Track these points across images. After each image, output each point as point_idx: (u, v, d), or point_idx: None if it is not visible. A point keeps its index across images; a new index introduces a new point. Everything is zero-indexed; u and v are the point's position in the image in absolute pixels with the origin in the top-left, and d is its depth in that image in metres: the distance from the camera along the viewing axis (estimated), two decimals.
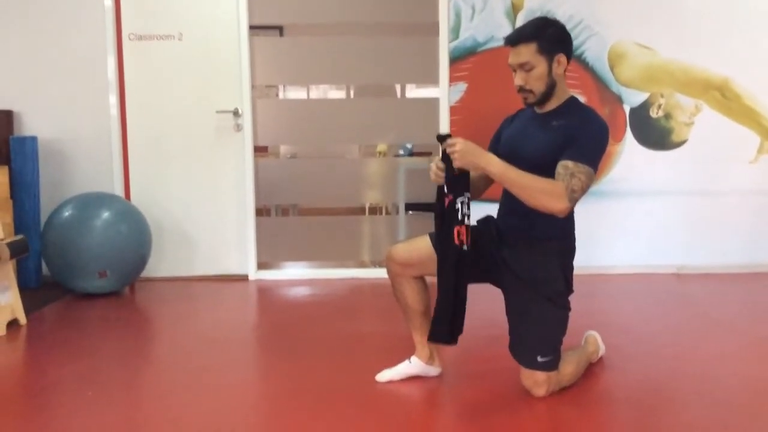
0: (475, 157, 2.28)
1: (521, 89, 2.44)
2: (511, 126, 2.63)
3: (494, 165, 2.29)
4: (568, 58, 2.45)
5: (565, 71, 2.46)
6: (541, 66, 2.39)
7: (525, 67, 2.40)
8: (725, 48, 4.46)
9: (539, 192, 2.29)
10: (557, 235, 2.51)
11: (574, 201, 2.30)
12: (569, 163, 2.31)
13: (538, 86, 2.42)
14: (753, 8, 4.45)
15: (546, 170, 2.36)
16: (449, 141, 2.29)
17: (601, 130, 2.42)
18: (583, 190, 2.31)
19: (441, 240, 2.39)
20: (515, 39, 2.42)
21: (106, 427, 2.31)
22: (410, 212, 4.83)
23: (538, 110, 2.51)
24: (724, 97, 4.49)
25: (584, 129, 2.38)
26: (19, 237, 3.57)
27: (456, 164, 2.28)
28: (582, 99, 2.53)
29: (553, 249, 2.50)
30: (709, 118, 4.50)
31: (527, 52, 2.38)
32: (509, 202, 2.56)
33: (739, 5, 4.45)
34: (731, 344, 3.12)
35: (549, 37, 2.40)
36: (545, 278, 2.46)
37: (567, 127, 2.39)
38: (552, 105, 2.47)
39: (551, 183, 2.30)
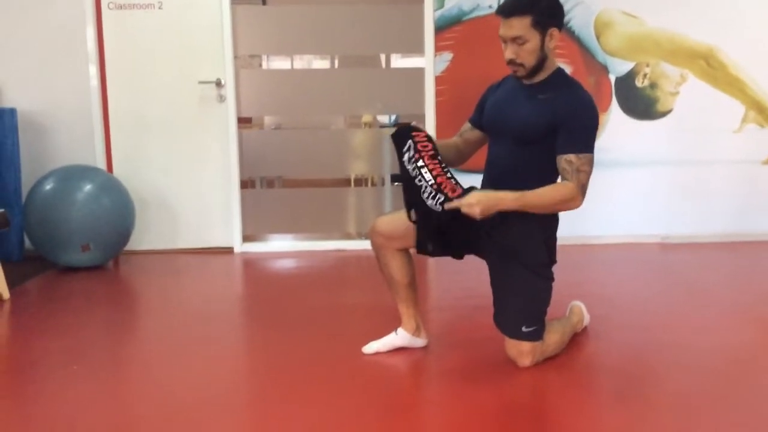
0: (493, 208, 2.28)
1: (512, 62, 2.40)
2: (496, 93, 2.60)
3: (510, 202, 2.30)
4: (559, 31, 2.42)
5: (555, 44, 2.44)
6: (534, 40, 2.35)
7: (518, 41, 2.35)
8: (711, 17, 4.44)
9: (557, 203, 2.35)
10: None
11: (585, 194, 2.37)
12: (572, 158, 2.33)
13: (530, 60, 2.38)
14: None
15: (530, 143, 2.40)
16: (465, 201, 2.24)
17: (592, 111, 2.41)
18: (589, 179, 2.36)
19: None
20: (508, 11, 2.35)
21: (93, 402, 2.31)
22: (396, 183, 4.81)
23: (525, 81, 2.49)
24: (710, 67, 4.48)
25: (578, 114, 2.36)
26: (0, 211, 3.52)
27: (476, 216, 2.26)
28: (568, 68, 2.53)
29: (537, 220, 2.49)
30: (694, 87, 4.49)
31: (520, 26, 2.33)
32: (492, 173, 2.57)
33: None
34: (714, 313, 3.15)
35: (543, 10, 2.35)
36: (528, 249, 2.46)
37: (555, 104, 2.37)
38: (540, 77, 2.45)
39: (564, 189, 2.34)
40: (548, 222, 2.54)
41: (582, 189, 2.35)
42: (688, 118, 4.51)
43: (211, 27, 4.39)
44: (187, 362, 2.64)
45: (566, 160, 2.35)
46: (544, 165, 2.41)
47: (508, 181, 2.48)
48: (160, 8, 4.36)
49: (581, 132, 2.36)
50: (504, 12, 2.36)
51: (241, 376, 2.56)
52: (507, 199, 2.30)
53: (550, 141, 2.37)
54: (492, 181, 2.56)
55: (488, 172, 2.59)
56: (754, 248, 4.40)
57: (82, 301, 3.53)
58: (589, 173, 2.36)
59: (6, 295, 3.49)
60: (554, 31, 2.38)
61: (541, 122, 2.37)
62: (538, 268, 2.46)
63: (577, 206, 2.37)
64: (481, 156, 2.66)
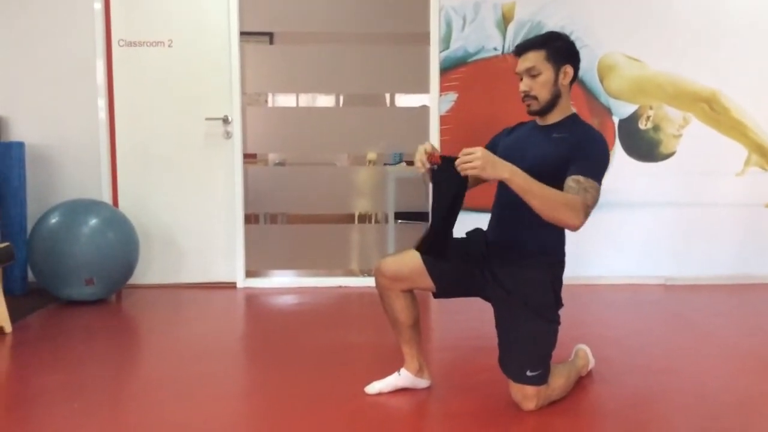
0: (497, 167, 2.18)
1: (526, 95, 2.45)
2: (509, 137, 2.63)
3: (518, 176, 2.20)
4: (576, 73, 2.47)
5: (571, 86, 2.48)
6: (547, 73, 2.41)
7: (531, 71, 2.41)
8: (714, 61, 4.50)
9: (560, 205, 2.22)
10: (547, 248, 2.52)
11: (587, 216, 2.27)
12: (580, 178, 2.28)
13: (543, 93, 2.43)
14: (741, 22, 4.49)
15: (545, 180, 2.36)
16: (465, 151, 2.18)
17: (605, 148, 2.42)
18: (594, 206, 2.31)
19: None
20: (523, 48, 2.46)
21: None
22: (399, 221, 4.82)
23: (539, 122, 2.53)
24: (713, 110, 4.52)
25: (590, 146, 2.38)
26: (5, 244, 3.53)
27: (479, 175, 2.17)
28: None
29: (543, 262, 2.50)
30: (697, 130, 4.53)
31: (535, 58, 2.41)
32: (500, 213, 2.57)
33: (728, 19, 4.49)
34: (720, 357, 3.13)
35: (558, 47, 2.44)
36: (534, 292, 2.45)
37: (569, 140, 2.39)
38: (554, 118, 2.48)
39: (571, 197, 2.25)
40: (555, 264, 2.54)
41: (586, 208, 2.26)
42: (691, 161, 4.54)
43: (220, 65, 4.45)
44: (187, 400, 2.63)
45: (574, 179, 2.29)
46: None
47: (515, 221, 2.49)
48: (169, 46, 4.43)
49: (592, 160, 2.35)
50: (519, 49, 2.47)
51: (242, 415, 2.54)
52: (516, 171, 2.18)
53: (562, 178, 2.32)
54: (499, 221, 2.57)
55: (496, 212, 2.60)
56: (758, 291, 4.39)
57: (84, 335, 3.52)
58: (595, 198, 2.29)
59: (8, 328, 3.48)
60: (568, 68, 2.43)
61: (557, 155, 2.37)
62: (544, 311, 2.45)
63: (576, 224, 2.24)
64: (489, 195, 2.66)
